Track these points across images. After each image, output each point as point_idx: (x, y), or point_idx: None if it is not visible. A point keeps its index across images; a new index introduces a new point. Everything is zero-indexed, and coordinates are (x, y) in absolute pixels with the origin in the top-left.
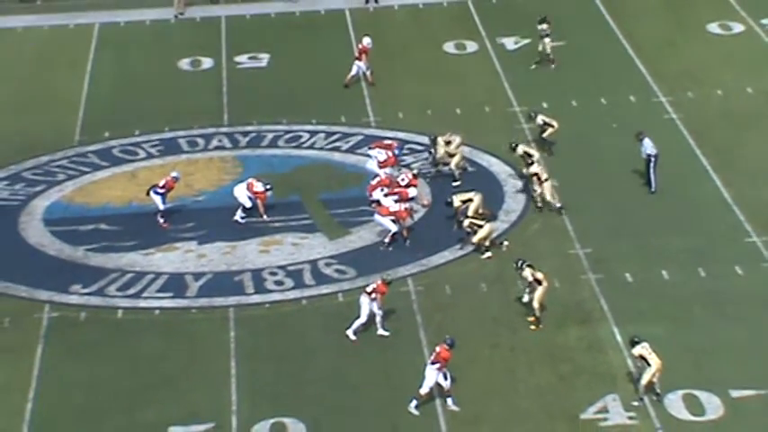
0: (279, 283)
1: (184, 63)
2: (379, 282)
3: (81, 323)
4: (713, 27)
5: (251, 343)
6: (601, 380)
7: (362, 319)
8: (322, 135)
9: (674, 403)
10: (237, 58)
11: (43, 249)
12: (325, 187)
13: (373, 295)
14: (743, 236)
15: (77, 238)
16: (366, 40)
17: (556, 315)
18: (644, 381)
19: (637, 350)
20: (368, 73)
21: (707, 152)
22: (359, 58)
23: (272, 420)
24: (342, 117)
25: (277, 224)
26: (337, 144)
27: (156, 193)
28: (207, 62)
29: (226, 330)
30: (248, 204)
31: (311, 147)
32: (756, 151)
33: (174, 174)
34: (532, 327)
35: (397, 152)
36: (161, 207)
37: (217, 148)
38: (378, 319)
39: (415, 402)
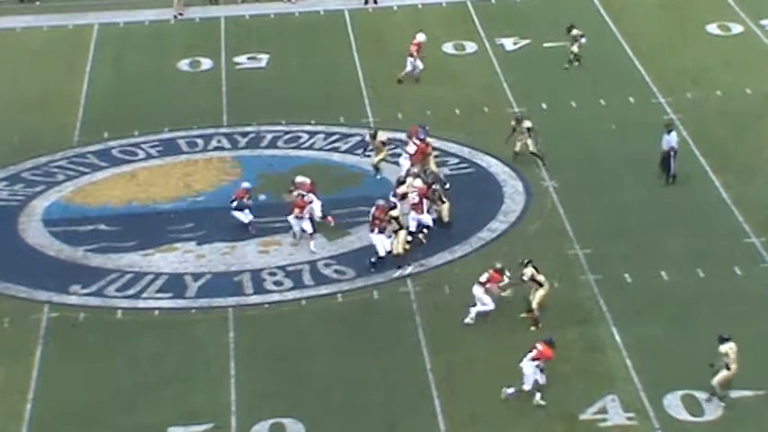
0: (278, 283)
1: (184, 64)
2: (492, 270)
3: (80, 323)
4: (712, 28)
5: (250, 343)
6: (600, 380)
7: (479, 307)
8: (321, 135)
9: (673, 404)
10: (237, 59)
11: (42, 250)
12: (325, 188)
13: (488, 285)
14: (742, 236)
15: (77, 238)
16: (420, 36)
17: (555, 315)
18: (717, 381)
19: (724, 348)
20: (416, 71)
21: (706, 153)
22: (412, 55)
23: (271, 421)
24: (341, 117)
25: (276, 225)
26: (336, 144)
27: (235, 208)
28: (206, 63)
29: (225, 331)
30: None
31: (310, 147)
32: (755, 152)
33: (245, 184)
34: (533, 328)
35: (422, 136)
36: (245, 221)
37: (216, 148)
38: (488, 309)
39: (511, 390)
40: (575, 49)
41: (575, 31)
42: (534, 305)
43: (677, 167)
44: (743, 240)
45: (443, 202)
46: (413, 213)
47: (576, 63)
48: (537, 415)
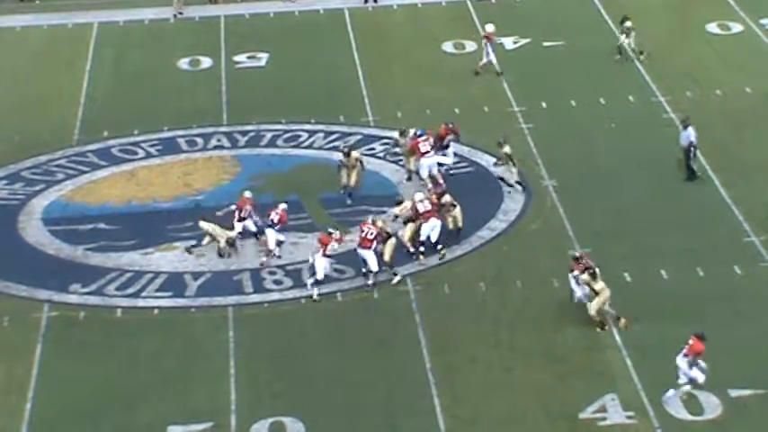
0: (278, 282)
1: (183, 62)
2: (575, 264)
3: (80, 322)
4: (712, 27)
5: (250, 342)
6: (599, 379)
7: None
8: (321, 134)
9: (673, 403)
10: (236, 58)
11: (42, 248)
12: (324, 187)
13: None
14: (741, 235)
15: (76, 237)
16: (489, 27)
17: (554, 315)
18: None
19: None
20: (484, 61)
21: (706, 152)
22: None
23: (270, 419)
24: (340, 116)
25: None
26: (336, 143)
27: (273, 227)
28: (206, 61)
29: (225, 330)
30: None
31: (310, 146)
32: (755, 151)
33: (283, 206)
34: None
35: (419, 132)
36: (273, 244)
37: (216, 147)
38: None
39: (672, 392)
40: (628, 40)
41: (628, 23)
42: (593, 312)
43: (678, 164)
44: (743, 239)
45: (454, 206)
46: (432, 221)
47: (641, 55)
48: (537, 414)
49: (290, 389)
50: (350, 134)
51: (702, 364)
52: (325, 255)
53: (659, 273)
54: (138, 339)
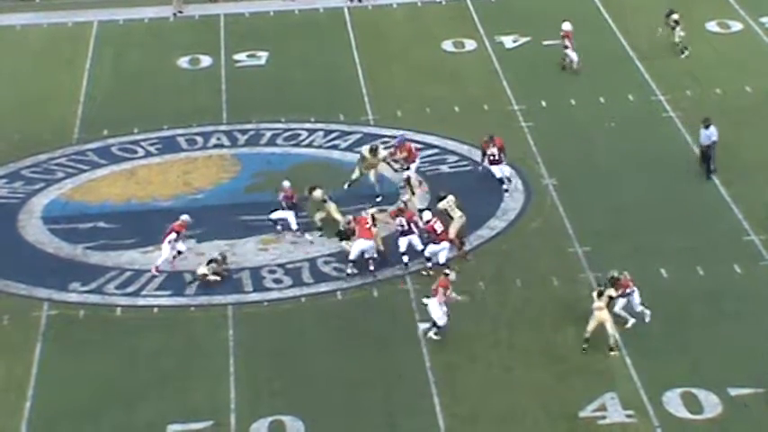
0: (277, 281)
1: (183, 61)
2: (621, 280)
3: (80, 321)
4: (712, 25)
5: (249, 341)
6: (599, 378)
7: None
8: (320, 133)
9: (673, 401)
10: (236, 57)
11: (42, 247)
12: (324, 185)
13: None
14: (741, 234)
15: (76, 235)
16: (566, 25)
17: (554, 314)
18: None
19: None
20: (575, 60)
21: None
22: (566, 46)
23: (270, 418)
24: (340, 115)
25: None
26: (336, 142)
27: (287, 207)
28: (206, 60)
29: (224, 328)
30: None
31: (310, 145)
32: (755, 150)
33: (285, 183)
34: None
35: (402, 139)
36: (294, 225)
37: (215, 146)
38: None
39: None
40: (680, 35)
41: (675, 16)
42: (594, 332)
43: (682, 164)
44: (742, 238)
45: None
46: (444, 243)
47: (685, 51)
48: (536, 413)
49: (289, 387)
50: (350, 133)
51: None
52: (443, 298)
53: (659, 272)
54: (138, 338)
